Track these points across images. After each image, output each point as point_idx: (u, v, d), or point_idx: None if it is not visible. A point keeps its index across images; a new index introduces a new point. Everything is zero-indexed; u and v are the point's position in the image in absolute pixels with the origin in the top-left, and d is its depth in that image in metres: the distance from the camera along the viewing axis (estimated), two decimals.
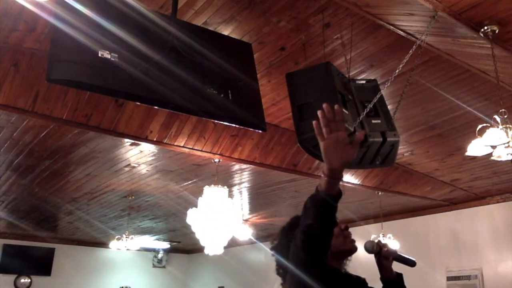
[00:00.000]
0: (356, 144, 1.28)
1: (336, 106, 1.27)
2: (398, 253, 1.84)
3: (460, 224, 6.42)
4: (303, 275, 1.33)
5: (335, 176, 1.27)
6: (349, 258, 1.78)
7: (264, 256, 9.12)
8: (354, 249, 1.74)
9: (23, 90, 3.30)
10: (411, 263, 1.87)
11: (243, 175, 5.34)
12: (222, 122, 2.77)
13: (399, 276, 1.83)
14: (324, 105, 1.25)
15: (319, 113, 1.26)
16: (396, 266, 1.85)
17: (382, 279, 1.81)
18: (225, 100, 2.32)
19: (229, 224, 4.68)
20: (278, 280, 1.71)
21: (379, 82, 3.11)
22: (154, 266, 10.69)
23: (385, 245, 1.82)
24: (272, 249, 1.82)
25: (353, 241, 1.74)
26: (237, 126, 2.94)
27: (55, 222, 7.88)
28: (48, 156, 4.59)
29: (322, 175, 1.28)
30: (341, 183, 1.30)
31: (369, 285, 1.83)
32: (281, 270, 1.72)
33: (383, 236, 6.14)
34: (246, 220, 7.36)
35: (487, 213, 6.09)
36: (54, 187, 5.62)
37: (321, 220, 1.27)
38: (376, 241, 1.85)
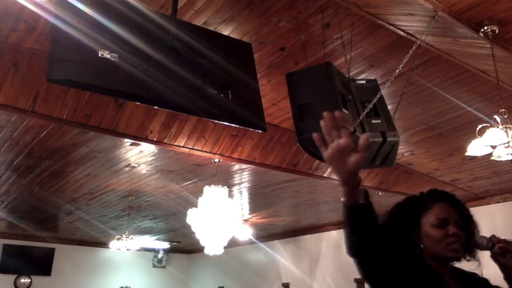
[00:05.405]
0: (362, 150, 1.17)
1: (336, 112, 1.18)
2: None
3: None
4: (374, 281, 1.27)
5: (348, 184, 1.19)
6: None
7: (264, 256, 9.12)
8: (455, 258, 1.43)
9: (23, 90, 3.30)
10: None
11: (243, 175, 5.34)
12: (222, 122, 2.77)
13: None
14: (324, 113, 1.17)
15: (321, 122, 1.17)
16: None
17: (505, 278, 1.53)
18: (225, 100, 2.32)
19: (229, 224, 4.68)
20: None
21: (379, 82, 3.11)
22: (154, 266, 10.68)
23: (500, 241, 1.51)
24: None
25: (457, 250, 1.42)
26: (237, 126, 2.94)
27: (55, 222, 7.88)
28: (48, 156, 4.59)
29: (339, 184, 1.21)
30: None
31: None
32: None
33: None
34: (246, 220, 7.36)
35: (487, 213, 6.08)
36: (54, 187, 5.62)
37: (357, 228, 1.22)
38: (489, 236, 1.54)
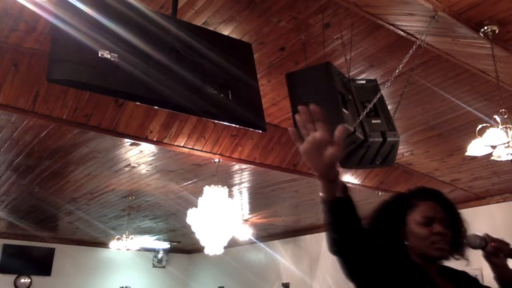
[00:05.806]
0: (337, 142, 1.12)
1: (311, 105, 1.13)
2: None
3: None
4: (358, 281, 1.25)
5: (326, 178, 1.16)
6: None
7: (264, 256, 9.12)
8: (440, 257, 1.42)
9: (23, 90, 3.30)
10: None
11: (243, 175, 5.34)
12: (222, 122, 2.77)
13: None
14: (299, 107, 1.14)
15: (296, 116, 1.14)
16: None
17: (496, 278, 1.50)
18: (225, 100, 2.32)
19: (229, 224, 4.68)
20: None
21: (379, 82, 3.11)
22: (154, 266, 10.68)
23: (494, 240, 1.48)
24: None
25: (442, 249, 1.39)
26: (237, 126, 2.94)
27: (55, 222, 7.87)
28: (48, 156, 4.59)
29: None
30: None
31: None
32: None
33: None
34: (246, 220, 7.36)
35: (487, 213, 6.08)
36: (54, 187, 5.62)
37: (336, 223, 1.19)
38: (482, 234, 1.51)
